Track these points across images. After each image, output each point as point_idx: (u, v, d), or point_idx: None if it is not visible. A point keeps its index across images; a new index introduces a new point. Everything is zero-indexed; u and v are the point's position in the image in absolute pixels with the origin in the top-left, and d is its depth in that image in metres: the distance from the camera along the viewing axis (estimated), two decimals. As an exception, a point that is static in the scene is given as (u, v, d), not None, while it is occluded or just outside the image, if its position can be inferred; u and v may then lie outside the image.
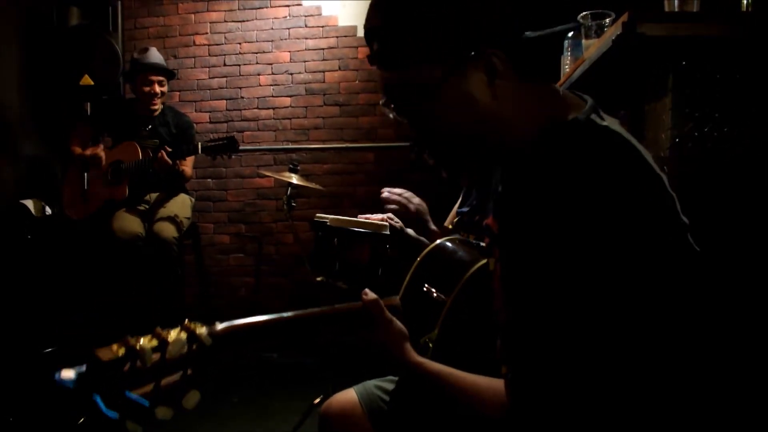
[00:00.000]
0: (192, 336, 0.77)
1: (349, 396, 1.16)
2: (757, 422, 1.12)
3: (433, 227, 1.57)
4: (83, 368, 0.71)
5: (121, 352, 0.71)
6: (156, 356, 0.74)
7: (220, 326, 0.81)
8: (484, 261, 1.06)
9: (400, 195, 1.59)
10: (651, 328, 0.71)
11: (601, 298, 0.68)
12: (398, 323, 0.94)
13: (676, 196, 0.77)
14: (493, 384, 0.80)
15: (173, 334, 0.76)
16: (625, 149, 0.75)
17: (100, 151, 3.22)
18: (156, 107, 3.28)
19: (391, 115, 0.88)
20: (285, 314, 0.90)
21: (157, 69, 3.27)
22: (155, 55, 3.32)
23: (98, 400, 0.69)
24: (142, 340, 0.73)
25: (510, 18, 0.79)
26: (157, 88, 3.26)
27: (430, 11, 0.77)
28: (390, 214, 1.64)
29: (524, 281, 0.72)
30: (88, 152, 3.21)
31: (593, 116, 0.78)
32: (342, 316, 0.95)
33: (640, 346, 0.71)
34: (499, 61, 0.78)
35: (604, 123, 0.78)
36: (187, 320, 0.79)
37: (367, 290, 0.95)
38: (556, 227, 0.69)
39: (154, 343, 0.74)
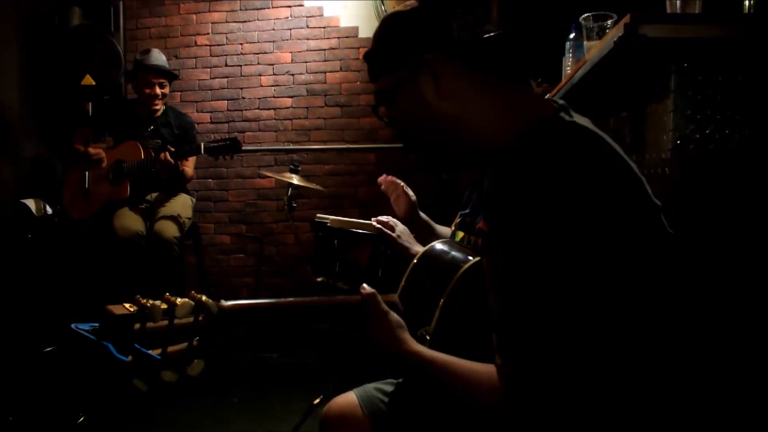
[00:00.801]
0: (199, 304, 0.82)
1: (349, 398, 1.17)
2: (739, 405, 1.13)
3: (417, 250, 1.56)
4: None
5: (133, 309, 0.75)
6: (164, 322, 0.77)
7: (225, 303, 0.87)
8: (477, 259, 1.09)
9: (386, 221, 1.61)
10: (630, 311, 0.73)
11: (580, 283, 0.71)
12: (395, 315, 0.97)
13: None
14: (490, 371, 0.82)
15: (181, 300, 0.80)
16: (592, 141, 0.80)
17: (101, 151, 3.20)
18: (157, 108, 3.28)
19: (384, 120, 1.01)
20: (287, 299, 0.95)
21: (158, 71, 3.27)
22: (157, 57, 3.31)
23: (110, 347, 0.73)
24: (152, 301, 0.77)
25: (446, 28, 0.88)
26: (158, 90, 3.26)
27: (387, 33, 0.95)
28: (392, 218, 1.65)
29: (507, 273, 0.76)
30: (91, 150, 3.19)
31: (561, 113, 0.84)
32: (340, 306, 1.00)
33: (620, 328, 0.73)
34: (441, 65, 0.88)
35: (572, 119, 0.84)
36: (193, 291, 0.83)
37: (365, 284, 0.99)
38: (533, 219, 0.73)
39: (164, 306, 0.78)
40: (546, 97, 0.94)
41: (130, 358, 0.73)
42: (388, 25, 0.96)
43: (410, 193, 1.76)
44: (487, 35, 0.86)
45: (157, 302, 0.78)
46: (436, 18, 0.88)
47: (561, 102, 0.88)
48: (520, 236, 0.74)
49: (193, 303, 0.80)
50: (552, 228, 0.71)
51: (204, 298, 0.82)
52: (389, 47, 0.94)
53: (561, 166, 0.75)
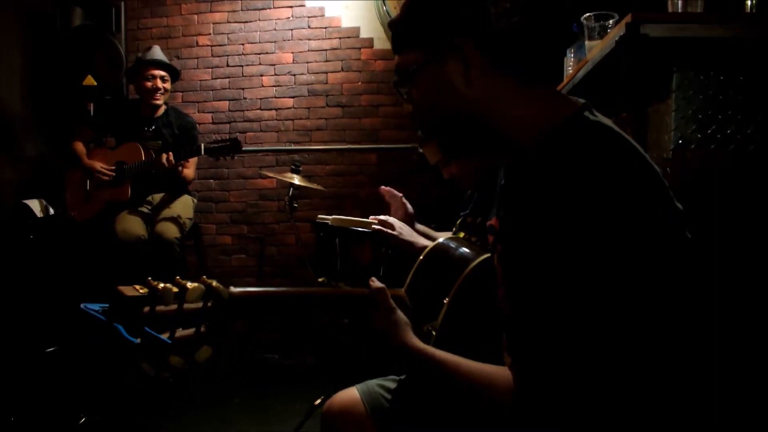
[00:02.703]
0: (210, 289, 0.80)
1: (351, 394, 1.17)
2: (757, 409, 1.13)
3: (423, 244, 1.55)
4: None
5: (143, 291, 0.74)
6: (174, 306, 0.76)
7: (235, 290, 0.85)
8: (487, 255, 1.08)
9: (384, 221, 1.60)
10: (646, 314, 0.73)
11: (599, 286, 0.70)
12: (401, 312, 0.96)
13: (679, 198, 0.78)
14: (500, 371, 0.81)
15: (192, 285, 0.79)
16: (616, 142, 0.78)
17: (103, 167, 3.22)
18: (158, 101, 3.28)
19: (402, 96, 0.97)
20: (296, 288, 0.94)
21: (159, 63, 3.28)
22: (158, 53, 3.34)
23: (120, 328, 0.72)
24: (164, 284, 0.76)
25: (483, 12, 0.83)
26: (160, 83, 3.25)
27: (420, 5, 0.88)
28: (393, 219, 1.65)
29: (524, 272, 0.75)
30: (97, 166, 3.21)
31: (586, 113, 0.82)
32: (348, 298, 0.99)
33: (635, 330, 0.72)
34: (471, 52, 0.83)
35: (596, 119, 0.82)
36: (204, 276, 0.82)
37: (374, 278, 0.98)
38: (554, 219, 0.72)
39: (175, 289, 0.77)
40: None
41: (139, 340, 0.72)
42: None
43: (408, 205, 1.75)
44: (522, 27, 0.82)
45: (169, 285, 0.76)
46: (468, 3, 0.83)
47: (583, 101, 0.86)
48: (538, 234, 0.73)
49: (203, 287, 0.79)
50: (571, 228, 0.70)
51: (215, 283, 0.81)
52: (420, 21, 0.88)
53: (584, 166, 0.73)
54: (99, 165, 3.21)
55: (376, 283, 0.97)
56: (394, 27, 0.94)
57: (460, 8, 0.84)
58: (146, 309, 0.74)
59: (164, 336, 0.75)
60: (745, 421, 1.14)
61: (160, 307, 0.75)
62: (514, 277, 0.77)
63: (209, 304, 0.80)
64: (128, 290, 0.74)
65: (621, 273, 0.71)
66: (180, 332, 0.78)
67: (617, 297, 0.71)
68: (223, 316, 0.82)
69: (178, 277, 0.79)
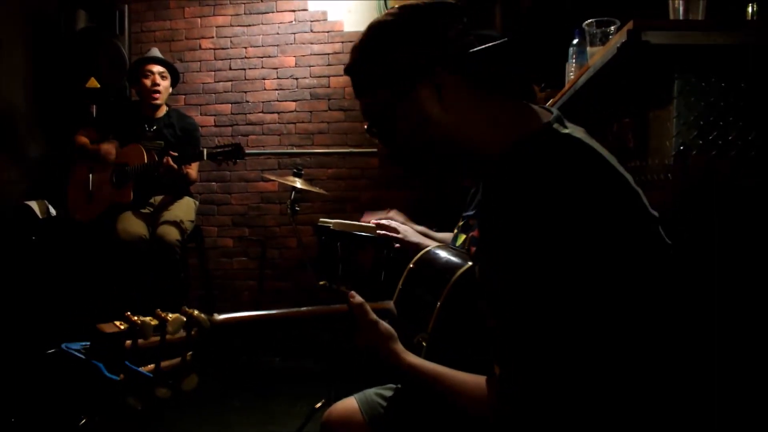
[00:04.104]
0: (191, 319, 0.81)
1: (349, 404, 1.17)
2: (733, 414, 1.13)
3: (428, 245, 1.56)
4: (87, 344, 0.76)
5: (123, 326, 0.75)
6: (156, 338, 0.77)
7: (218, 317, 0.85)
8: (472, 264, 1.09)
9: (387, 226, 1.59)
10: (627, 324, 0.73)
11: (576, 299, 0.70)
12: (385, 324, 0.96)
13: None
14: (478, 381, 0.82)
15: (172, 316, 0.79)
16: (585, 153, 0.79)
17: (111, 148, 3.22)
18: (158, 101, 3.28)
19: (375, 139, 0.96)
20: (277, 311, 0.94)
21: (156, 60, 3.30)
22: (155, 52, 3.36)
23: (100, 366, 0.72)
24: (142, 318, 0.76)
25: (442, 36, 0.84)
26: (158, 79, 3.26)
27: (377, 46, 0.89)
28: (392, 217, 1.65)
29: (499, 285, 0.75)
30: (102, 147, 3.21)
31: (555, 125, 0.82)
32: (330, 317, 0.99)
33: (616, 341, 0.73)
34: (443, 79, 0.84)
35: (566, 131, 0.82)
36: (185, 307, 0.82)
37: (353, 293, 0.97)
38: (527, 234, 0.72)
39: (155, 322, 0.77)
40: (548, 103, 0.93)
41: (121, 376, 0.72)
42: (378, 35, 0.90)
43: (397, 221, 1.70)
44: (479, 47, 0.83)
45: (148, 319, 0.77)
46: (431, 26, 0.84)
47: (556, 112, 0.87)
48: (510, 249, 0.73)
49: (184, 318, 0.80)
50: (543, 240, 0.71)
51: (196, 312, 0.82)
52: (383, 59, 0.88)
53: (553, 178, 0.74)
54: (103, 146, 3.21)
55: (356, 298, 0.97)
56: (354, 71, 0.92)
57: (420, 39, 0.85)
58: (128, 343, 0.74)
59: (149, 368, 0.76)
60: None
61: (142, 341, 0.75)
62: (492, 291, 0.78)
63: (193, 332, 0.81)
64: (108, 327, 0.75)
65: (594, 282, 0.71)
66: (166, 362, 0.78)
67: (592, 307, 0.71)
68: (208, 344, 0.82)
69: (158, 310, 0.79)
